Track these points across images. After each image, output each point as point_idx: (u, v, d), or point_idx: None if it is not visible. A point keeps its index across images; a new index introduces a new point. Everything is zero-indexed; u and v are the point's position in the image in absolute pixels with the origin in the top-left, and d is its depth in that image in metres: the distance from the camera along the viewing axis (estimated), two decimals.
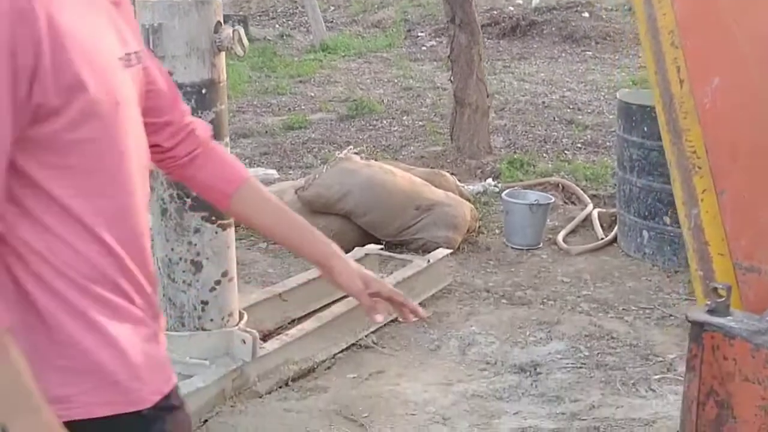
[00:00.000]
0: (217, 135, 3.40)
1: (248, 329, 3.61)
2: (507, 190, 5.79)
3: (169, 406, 1.51)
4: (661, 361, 3.93)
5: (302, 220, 1.77)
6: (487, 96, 7.67)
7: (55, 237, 1.37)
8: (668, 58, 2.03)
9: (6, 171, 1.33)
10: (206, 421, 3.38)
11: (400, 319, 1.86)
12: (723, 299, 1.79)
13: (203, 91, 3.32)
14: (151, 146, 1.59)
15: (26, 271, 1.37)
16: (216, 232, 3.47)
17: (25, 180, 1.36)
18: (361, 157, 5.93)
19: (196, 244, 3.43)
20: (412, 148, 8.15)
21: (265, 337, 3.92)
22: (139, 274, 1.48)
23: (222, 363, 3.52)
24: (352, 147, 6.19)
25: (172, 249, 3.43)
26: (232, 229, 3.60)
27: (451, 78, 7.62)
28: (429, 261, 4.66)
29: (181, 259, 3.44)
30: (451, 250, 4.98)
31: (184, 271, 3.45)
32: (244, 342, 3.54)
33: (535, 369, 3.88)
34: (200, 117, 3.17)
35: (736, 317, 1.78)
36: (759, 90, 1.91)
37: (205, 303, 3.50)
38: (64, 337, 1.39)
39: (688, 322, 1.80)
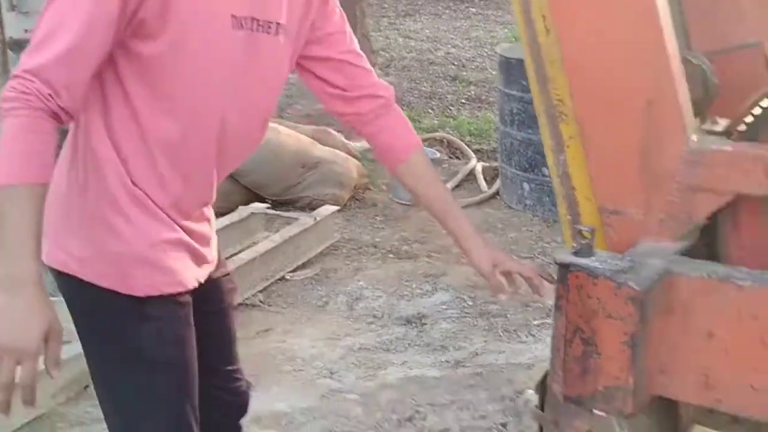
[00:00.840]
0: None
1: None
2: None
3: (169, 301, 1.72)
4: (540, 307, 4.06)
5: (452, 198, 2.03)
6: (372, 52, 7.68)
7: (119, 138, 1.64)
8: (534, 7, 2.07)
9: (93, 75, 1.55)
10: (87, 387, 3.31)
11: (536, 296, 2.08)
12: (587, 241, 1.85)
13: None
14: (335, 100, 1.91)
15: (86, 147, 1.64)
16: None
17: (116, 84, 1.61)
18: None
19: None
20: (298, 106, 8.09)
21: None
22: (184, 203, 1.72)
23: None
24: None
25: None
26: None
27: None
28: (315, 218, 4.66)
29: None
30: (338, 207, 5.00)
31: None
32: None
33: (421, 320, 3.96)
34: None
35: (600, 258, 1.84)
36: (620, 37, 1.96)
37: None
38: (95, 212, 1.66)
39: (555, 264, 1.86)
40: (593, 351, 1.83)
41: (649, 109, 1.96)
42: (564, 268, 1.85)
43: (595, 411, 1.88)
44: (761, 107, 1.97)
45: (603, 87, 2.00)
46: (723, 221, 2.02)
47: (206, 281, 1.85)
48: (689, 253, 1.97)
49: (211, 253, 1.88)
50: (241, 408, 2.16)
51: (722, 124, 2.03)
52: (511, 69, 5.29)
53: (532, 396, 2.53)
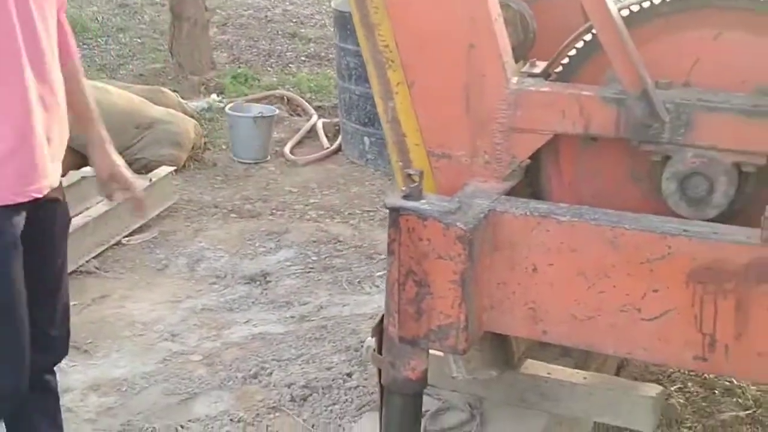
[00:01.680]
0: None
1: None
2: (231, 105, 5.72)
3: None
4: (384, 259, 4.10)
5: (90, 105, 2.30)
6: (206, 10, 7.48)
7: None
8: None
9: None
10: None
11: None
12: (416, 184, 1.88)
13: None
14: None
15: None
16: None
17: None
18: None
19: None
20: (130, 66, 7.80)
21: None
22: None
23: None
24: None
25: None
26: None
27: None
28: (151, 180, 4.52)
29: None
30: (174, 168, 4.86)
31: None
32: None
33: (265, 278, 3.92)
34: None
35: (429, 200, 1.87)
36: None
37: None
38: None
39: (386, 208, 1.88)
40: (426, 292, 1.86)
41: (470, 53, 2.00)
42: (394, 211, 1.86)
43: (430, 350, 1.92)
44: (576, 49, 2.04)
45: (425, 32, 2.02)
46: (545, 161, 2.10)
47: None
48: (514, 193, 2.04)
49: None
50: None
51: (541, 66, 2.09)
52: (347, 23, 5.27)
53: (372, 342, 2.57)
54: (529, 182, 2.13)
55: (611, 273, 1.81)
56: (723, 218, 1.88)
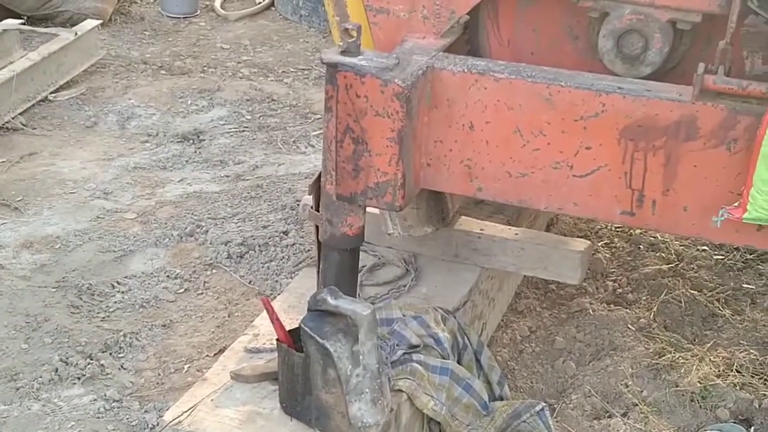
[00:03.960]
0: None
1: None
2: None
3: None
4: (319, 119, 4.07)
5: None
6: None
7: None
8: None
9: None
10: None
11: None
12: (354, 39, 1.84)
13: None
14: None
15: None
16: None
17: None
18: None
19: None
20: None
21: None
22: None
23: None
24: None
25: None
26: None
27: None
28: (77, 33, 4.34)
29: None
30: (100, 21, 4.67)
31: None
32: None
33: (199, 137, 3.87)
34: None
35: (366, 56, 1.85)
36: None
37: None
38: None
39: (322, 64, 1.85)
40: (364, 149, 1.86)
41: None
42: (332, 67, 1.84)
43: (367, 207, 1.94)
44: None
45: None
46: (483, 17, 2.08)
47: None
48: (453, 50, 2.02)
49: None
50: None
51: None
52: None
53: (308, 201, 2.58)
54: (468, 39, 2.11)
55: (546, 130, 1.83)
56: (657, 76, 1.90)
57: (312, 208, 2.03)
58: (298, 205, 3.29)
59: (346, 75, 1.83)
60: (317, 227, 2.03)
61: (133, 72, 4.50)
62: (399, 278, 2.34)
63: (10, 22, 4.46)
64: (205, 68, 4.60)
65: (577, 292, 2.76)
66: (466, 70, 1.85)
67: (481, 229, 2.35)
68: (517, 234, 2.33)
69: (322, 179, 1.96)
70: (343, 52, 1.85)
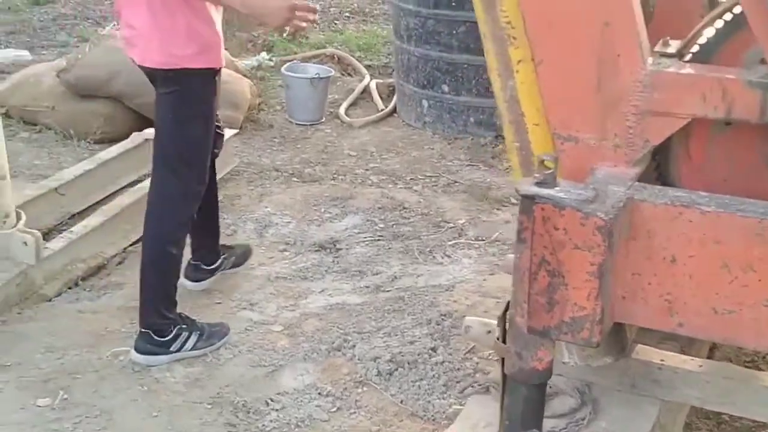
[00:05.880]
0: None
1: (29, 230, 3.31)
2: (286, 65, 5.64)
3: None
4: (452, 227, 4.06)
5: None
6: None
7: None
8: None
9: None
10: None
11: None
12: (551, 170, 1.81)
13: None
14: None
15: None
16: None
17: None
18: None
19: None
20: None
21: (45, 236, 3.63)
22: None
23: (3, 268, 3.22)
24: (116, 23, 5.71)
25: None
26: None
27: None
28: None
29: None
30: (236, 130, 4.80)
31: None
32: (26, 244, 3.24)
33: (335, 245, 3.88)
34: None
35: (564, 187, 1.81)
36: None
37: None
38: (192, 30, 2.80)
39: (519, 195, 1.81)
40: (560, 282, 1.81)
41: (604, 31, 1.91)
42: (529, 199, 1.80)
43: (561, 341, 1.87)
44: (715, 28, 1.95)
45: (557, 8, 1.94)
46: (674, 144, 2.03)
47: None
48: (641, 176, 1.97)
49: None
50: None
51: (674, 46, 2.00)
52: None
53: (470, 323, 2.53)
54: (656, 166, 2.06)
55: (756, 266, 1.74)
56: None
57: (498, 339, 1.97)
58: (443, 320, 3.24)
59: (544, 207, 1.78)
60: (503, 360, 1.96)
61: (266, 179, 4.59)
62: (575, 410, 2.24)
63: (152, 132, 4.62)
64: (335, 175, 4.66)
65: (755, 425, 2.60)
66: (669, 203, 1.79)
67: (662, 360, 2.24)
68: (701, 366, 2.21)
69: (510, 310, 1.90)
70: (539, 183, 1.81)
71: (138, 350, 2.96)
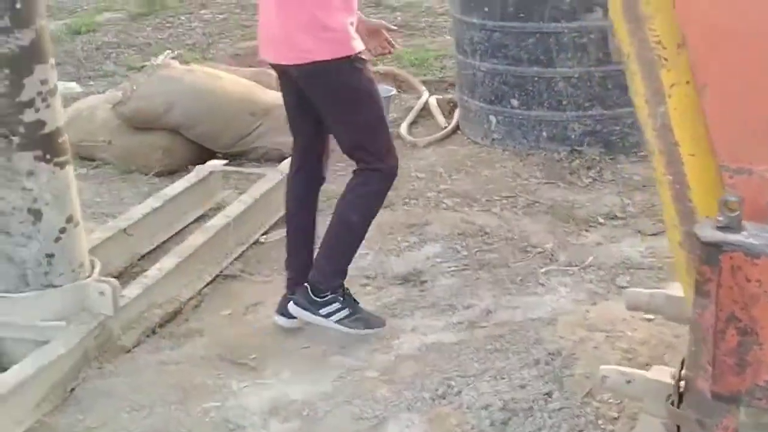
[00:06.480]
0: (40, 57, 2.83)
1: (105, 278, 3.13)
2: None
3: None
4: (541, 252, 3.83)
5: None
6: None
7: None
8: None
9: None
10: (73, 389, 2.92)
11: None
12: (736, 213, 1.58)
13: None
14: None
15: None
16: (53, 172, 2.93)
17: None
18: (180, 62, 5.36)
19: (32, 189, 2.88)
20: (221, 45, 7.57)
21: (116, 280, 3.45)
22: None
23: (80, 321, 3.03)
24: (169, 52, 5.56)
25: (3, 198, 2.86)
26: (71, 166, 3.07)
27: None
28: (282, 173, 4.26)
29: (15, 208, 2.88)
30: None
31: (21, 222, 2.89)
32: (103, 294, 3.06)
33: (419, 277, 3.67)
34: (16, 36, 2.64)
35: (751, 232, 1.58)
36: None
37: (50, 256, 2.97)
38: (330, 22, 2.83)
39: (701, 243, 1.58)
40: (753, 341, 1.58)
41: None
42: (713, 247, 1.57)
43: (754, 407, 1.64)
44: None
45: (727, 25, 1.71)
46: None
47: None
48: None
49: None
50: None
51: None
52: None
53: (607, 372, 2.30)
54: None
55: None
56: None
57: (672, 404, 1.74)
58: (552, 359, 3.01)
59: (732, 255, 1.56)
60: (678, 427, 1.73)
61: (333, 207, 4.37)
62: None
63: (216, 164, 4.45)
64: (406, 200, 4.44)
65: None
66: None
67: None
68: None
69: (688, 371, 1.68)
70: (724, 228, 1.58)
71: (293, 301, 3.12)
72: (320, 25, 2.80)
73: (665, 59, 1.82)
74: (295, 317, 3.20)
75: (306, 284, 3.09)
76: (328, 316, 3.08)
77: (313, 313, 3.08)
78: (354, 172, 3.13)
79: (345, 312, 3.10)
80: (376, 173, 3.06)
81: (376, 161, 3.04)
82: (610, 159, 4.74)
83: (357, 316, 3.12)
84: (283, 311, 3.22)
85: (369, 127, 3.00)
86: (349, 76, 2.88)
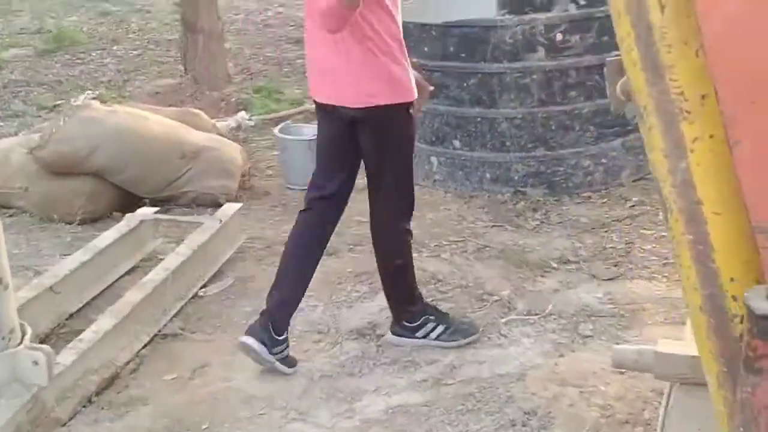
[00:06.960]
0: None
1: (38, 345, 2.82)
2: (279, 126, 5.23)
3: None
4: (498, 300, 3.68)
5: None
6: (218, 18, 6.96)
7: (382, 19, 2.89)
8: None
9: None
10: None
11: None
12: None
13: None
14: None
15: (367, 35, 2.87)
16: None
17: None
18: (101, 102, 5.05)
19: None
20: (137, 82, 7.25)
21: (42, 342, 3.15)
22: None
23: (12, 394, 2.72)
24: (90, 92, 5.25)
25: None
26: None
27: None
28: (221, 220, 4.02)
29: None
30: (241, 204, 4.37)
31: None
32: (36, 363, 2.75)
33: (374, 331, 3.47)
34: None
35: None
36: None
37: None
38: (380, 65, 2.91)
39: (755, 316, 1.45)
40: None
41: None
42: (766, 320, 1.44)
43: None
44: None
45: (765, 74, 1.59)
46: None
47: None
48: None
49: None
50: None
51: None
52: (409, 34, 4.80)
53: None
54: None
55: None
56: None
57: None
58: (528, 419, 2.85)
59: None
60: None
61: (276, 255, 4.12)
62: None
63: (147, 212, 4.17)
64: (352, 246, 4.25)
65: None
66: None
67: None
68: None
69: None
70: None
71: (392, 332, 3.35)
72: (387, 70, 2.88)
73: (687, 112, 1.69)
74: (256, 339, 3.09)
75: (397, 320, 3.33)
76: (426, 336, 3.28)
77: (413, 338, 3.30)
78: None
79: (441, 328, 3.30)
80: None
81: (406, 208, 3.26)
82: (555, 200, 4.66)
83: (452, 329, 3.30)
84: (250, 331, 3.12)
85: (407, 169, 3.13)
86: (406, 122, 3.01)
